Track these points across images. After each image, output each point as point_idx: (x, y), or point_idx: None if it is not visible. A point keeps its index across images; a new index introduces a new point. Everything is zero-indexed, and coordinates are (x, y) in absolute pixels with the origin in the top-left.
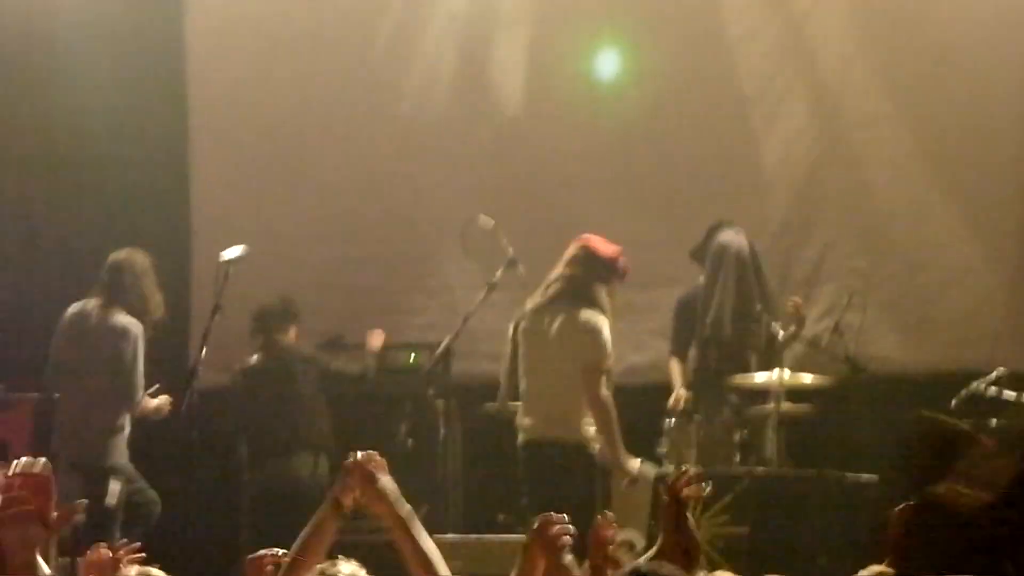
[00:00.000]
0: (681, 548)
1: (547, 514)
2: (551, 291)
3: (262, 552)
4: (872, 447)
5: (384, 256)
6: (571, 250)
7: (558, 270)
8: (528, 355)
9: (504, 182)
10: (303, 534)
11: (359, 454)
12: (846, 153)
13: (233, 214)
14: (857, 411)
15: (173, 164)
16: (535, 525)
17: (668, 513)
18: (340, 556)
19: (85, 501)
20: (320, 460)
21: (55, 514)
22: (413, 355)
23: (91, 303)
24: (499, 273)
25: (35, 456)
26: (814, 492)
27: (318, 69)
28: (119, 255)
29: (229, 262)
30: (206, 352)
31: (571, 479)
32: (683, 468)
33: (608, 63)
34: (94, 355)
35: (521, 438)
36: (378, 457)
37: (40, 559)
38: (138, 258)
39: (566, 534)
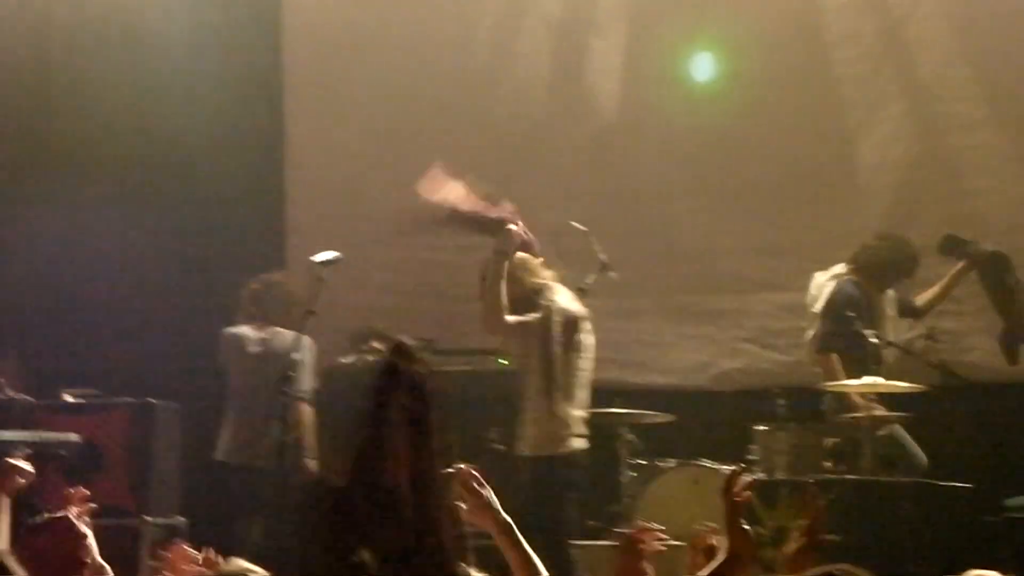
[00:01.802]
0: (741, 550)
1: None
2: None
3: None
4: (966, 455)
5: (476, 260)
6: None
7: None
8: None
9: (598, 186)
10: None
11: (460, 467)
12: (943, 157)
13: (328, 217)
14: (951, 419)
15: (268, 166)
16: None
17: (728, 514)
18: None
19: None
20: None
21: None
22: (504, 360)
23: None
24: (591, 278)
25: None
26: (907, 500)
27: (414, 72)
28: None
29: (322, 265)
30: (299, 357)
31: None
32: (735, 468)
33: (703, 66)
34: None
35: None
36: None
37: None
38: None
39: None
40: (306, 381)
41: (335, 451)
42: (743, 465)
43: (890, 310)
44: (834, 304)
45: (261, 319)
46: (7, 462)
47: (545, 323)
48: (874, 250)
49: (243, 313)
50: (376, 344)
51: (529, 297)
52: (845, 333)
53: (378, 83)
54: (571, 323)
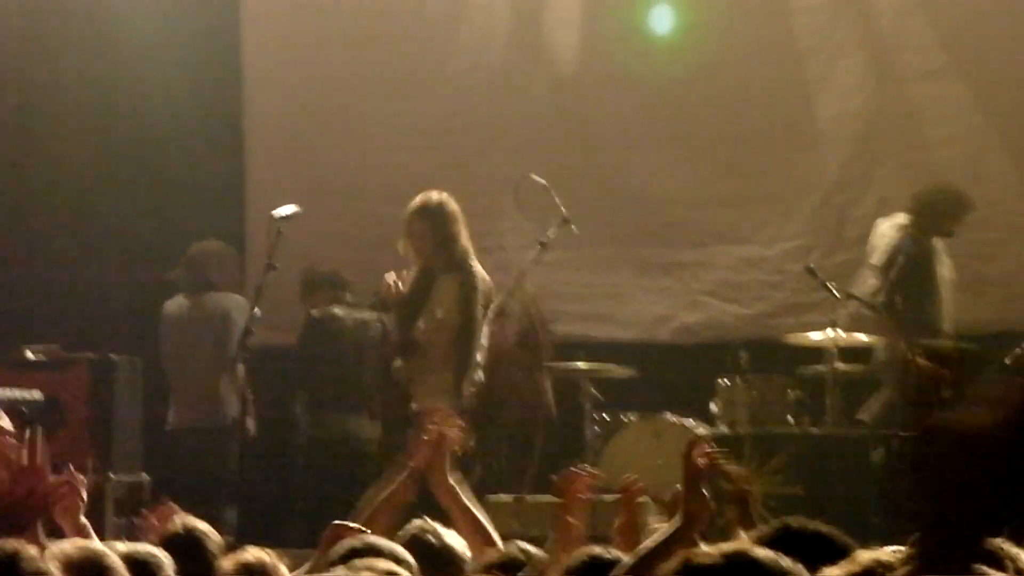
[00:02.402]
0: (696, 514)
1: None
2: None
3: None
4: None
5: None
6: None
7: None
8: None
9: (557, 139)
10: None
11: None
12: (902, 108)
13: (286, 172)
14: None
15: (227, 123)
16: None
17: (686, 478)
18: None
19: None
20: (375, 420)
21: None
22: None
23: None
24: (552, 231)
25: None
26: (867, 452)
27: (372, 25)
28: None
29: (281, 219)
30: (259, 311)
31: None
32: (699, 438)
33: (662, 18)
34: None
35: None
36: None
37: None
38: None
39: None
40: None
41: (319, 406)
42: (704, 430)
43: (944, 262)
44: (894, 258)
45: (195, 286)
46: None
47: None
48: (932, 200)
49: (180, 282)
50: (334, 293)
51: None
52: (904, 288)
53: (335, 36)
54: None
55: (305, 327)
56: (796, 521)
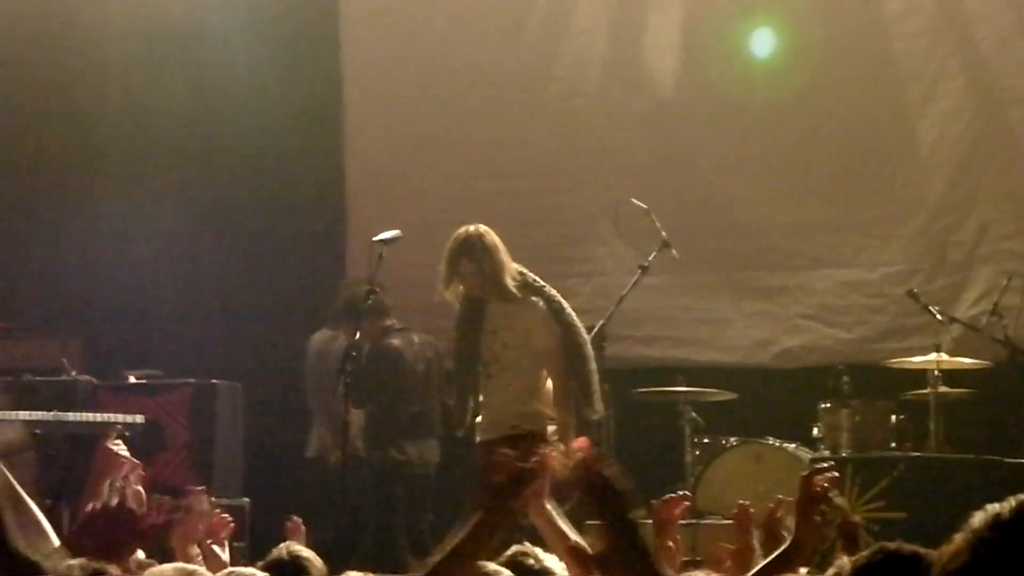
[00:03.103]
0: (807, 541)
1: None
2: None
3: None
4: None
5: (537, 239)
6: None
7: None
8: None
9: (657, 163)
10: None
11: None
12: (1004, 132)
13: (386, 197)
14: (1016, 394)
15: (328, 147)
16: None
17: (804, 506)
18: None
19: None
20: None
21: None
22: None
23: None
24: (652, 256)
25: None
26: (972, 477)
27: (471, 50)
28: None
29: (383, 244)
30: (360, 335)
31: None
32: (820, 465)
33: (762, 41)
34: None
35: None
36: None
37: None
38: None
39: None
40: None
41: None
42: (831, 463)
43: None
44: None
45: (335, 321)
46: (106, 447)
47: None
48: None
49: (328, 316)
50: (384, 322)
51: None
52: None
53: (434, 65)
54: None
55: (371, 358)
56: (893, 545)
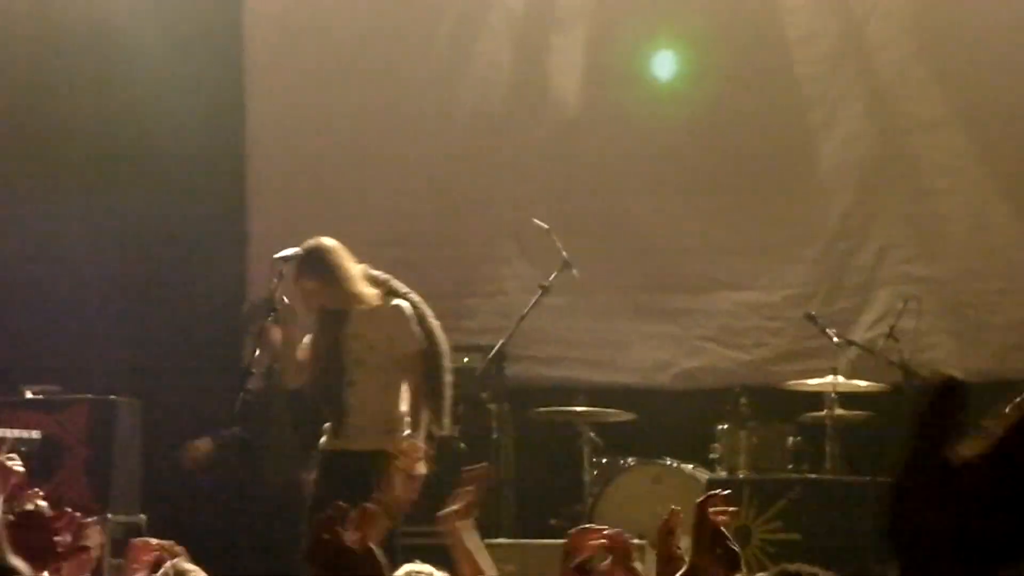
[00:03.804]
0: (715, 562)
1: (616, 529)
2: None
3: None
4: None
5: (438, 259)
6: None
7: None
8: None
9: (560, 184)
10: None
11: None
12: (903, 157)
13: (288, 215)
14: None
15: (229, 164)
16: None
17: (699, 531)
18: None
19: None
20: None
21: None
22: (466, 358)
23: None
24: (553, 276)
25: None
26: (868, 499)
27: (375, 70)
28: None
29: (284, 261)
30: (259, 353)
31: None
32: (714, 492)
33: (665, 64)
34: None
35: None
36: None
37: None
38: None
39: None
40: None
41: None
42: (726, 491)
43: None
44: None
45: None
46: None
47: None
48: None
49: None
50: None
51: None
52: None
53: (338, 81)
54: None
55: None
56: (794, 567)
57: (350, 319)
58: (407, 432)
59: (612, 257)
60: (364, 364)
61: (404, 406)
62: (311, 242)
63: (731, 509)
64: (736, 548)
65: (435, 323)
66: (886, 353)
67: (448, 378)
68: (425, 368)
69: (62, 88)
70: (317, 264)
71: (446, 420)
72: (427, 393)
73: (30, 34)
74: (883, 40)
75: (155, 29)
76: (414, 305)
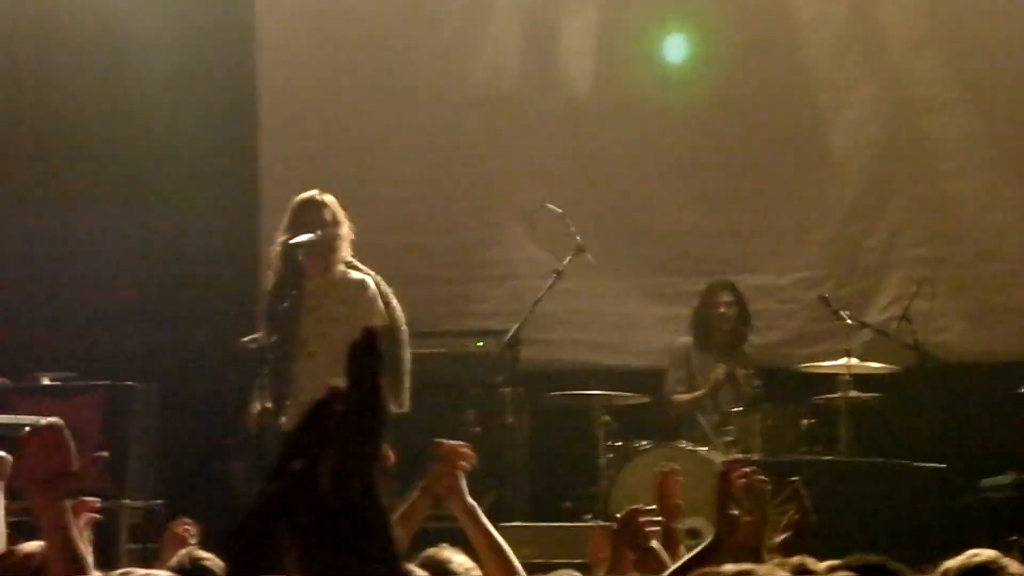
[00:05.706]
0: (726, 535)
1: (634, 507)
2: None
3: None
4: (939, 436)
5: (451, 243)
6: None
7: None
8: None
9: (571, 168)
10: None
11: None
12: (914, 140)
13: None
14: (924, 399)
15: (241, 148)
16: (621, 519)
17: (719, 499)
18: (443, 544)
19: (105, 454)
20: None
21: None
22: (480, 342)
23: None
24: (567, 260)
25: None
26: (881, 480)
27: (385, 56)
28: None
29: (299, 247)
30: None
31: None
32: (735, 458)
33: (676, 47)
34: None
35: None
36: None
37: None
38: None
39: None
40: None
41: None
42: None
43: None
44: None
45: None
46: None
47: None
48: None
49: None
50: None
51: None
52: None
53: (349, 67)
54: None
55: None
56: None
57: (308, 290)
58: None
59: (624, 241)
60: (326, 337)
61: None
62: (325, 194)
63: (749, 471)
64: (736, 513)
65: (395, 301)
66: (899, 335)
67: (407, 355)
68: (387, 346)
69: (71, 84)
70: (332, 211)
71: (404, 397)
72: (386, 371)
73: (37, 32)
74: (893, 22)
75: (165, 24)
76: (378, 282)
